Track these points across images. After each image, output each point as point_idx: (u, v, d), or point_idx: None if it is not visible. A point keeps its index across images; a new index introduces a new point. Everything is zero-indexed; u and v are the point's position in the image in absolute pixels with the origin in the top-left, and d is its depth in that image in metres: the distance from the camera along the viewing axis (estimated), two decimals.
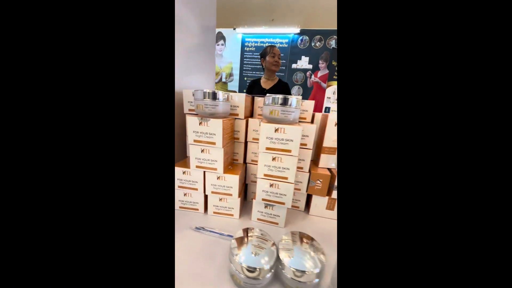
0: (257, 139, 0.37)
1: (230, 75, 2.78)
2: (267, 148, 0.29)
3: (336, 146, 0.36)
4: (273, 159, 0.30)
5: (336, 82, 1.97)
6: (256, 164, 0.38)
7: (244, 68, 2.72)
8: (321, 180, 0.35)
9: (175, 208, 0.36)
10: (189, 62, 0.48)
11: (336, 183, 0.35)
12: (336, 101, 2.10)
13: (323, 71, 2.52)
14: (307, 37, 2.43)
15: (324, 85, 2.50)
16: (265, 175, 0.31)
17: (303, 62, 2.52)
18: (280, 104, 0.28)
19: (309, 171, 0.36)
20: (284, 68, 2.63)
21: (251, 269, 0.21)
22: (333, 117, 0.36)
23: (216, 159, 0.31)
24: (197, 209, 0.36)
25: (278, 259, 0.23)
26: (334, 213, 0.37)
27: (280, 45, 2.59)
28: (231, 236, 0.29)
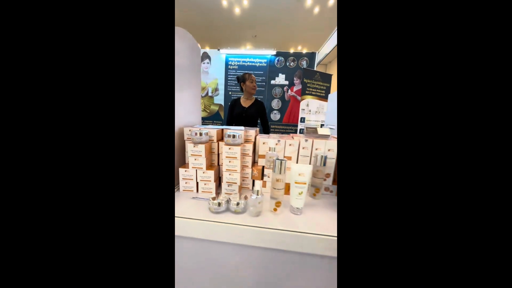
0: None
1: (216, 89, 3.13)
2: (227, 157, 0.64)
3: (264, 154, 0.72)
4: (229, 162, 0.64)
5: (308, 96, 2.44)
6: None
7: (228, 83, 3.09)
8: (257, 172, 0.71)
9: (180, 190, 0.69)
10: (180, 80, 0.77)
11: (265, 172, 0.70)
12: (309, 112, 2.57)
13: (298, 86, 2.97)
14: (282, 58, 2.88)
15: (299, 98, 2.93)
16: (227, 169, 0.65)
17: (280, 79, 2.95)
18: (232, 137, 0.63)
19: (251, 168, 0.71)
20: (264, 84, 3.04)
21: (217, 204, 0.55)
22: (262, 139, 0.71)
23: (202, 163, 0.66)
24: (192, 190, 0.69)
25: (228, 201, 0.57)
26: (266, 190, 0.72)
27: (260, 64, 3.01)
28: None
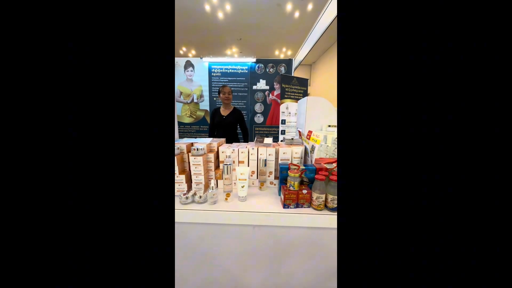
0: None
1: (201, 96, 3.40)
2: (193, 164, 0.93)
3: (223, 160, 1.01)
4: (196, 168, 0.93)
5: (287, 99, 2.82)
6: None
7: (213, 90, 3.36)
8: (219, 173, 0.99)
9: None
10: None
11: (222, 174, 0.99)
12: (289, 115, 2.95)
13: (278, 91, 3.27)
14: (262, 65, 3.18)
15: (280, 101, 3.25)
16: (194, 173, 0.94)
17: (262, 84, 3.25)
18: (196, 149, 0.92)
19: (214, 170, 1.00)
20: (246, 89, 3.33)
21: (185, 197, 0.84)
22: (221, 148, 1.00)
23: (175, 170, 0.94)
24: None
25: (194, 195, 0.86)
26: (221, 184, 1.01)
27: (242, 71, 3.30)
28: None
